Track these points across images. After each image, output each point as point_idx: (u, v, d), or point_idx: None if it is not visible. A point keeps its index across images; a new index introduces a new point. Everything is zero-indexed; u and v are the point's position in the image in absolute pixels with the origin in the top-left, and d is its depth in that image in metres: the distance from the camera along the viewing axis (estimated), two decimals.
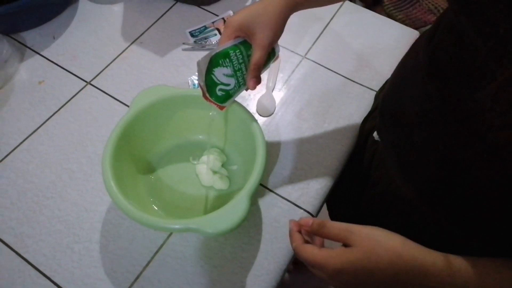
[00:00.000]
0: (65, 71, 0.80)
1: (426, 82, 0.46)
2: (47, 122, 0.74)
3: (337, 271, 0.41)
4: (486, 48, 0.35)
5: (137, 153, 0.64)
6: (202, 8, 0.91)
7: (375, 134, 0.63)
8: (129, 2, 0.92)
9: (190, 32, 0.87)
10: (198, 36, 0.86)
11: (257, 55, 0.54)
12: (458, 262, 0.39)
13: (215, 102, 0.58)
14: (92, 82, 0.79)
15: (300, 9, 0.57)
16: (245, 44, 0.56)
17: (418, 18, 2.22)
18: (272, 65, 0.82)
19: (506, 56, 0.32)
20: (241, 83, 0.58)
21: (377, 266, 0.40)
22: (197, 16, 0.89)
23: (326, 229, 0.45)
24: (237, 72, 0.56)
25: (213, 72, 0.55)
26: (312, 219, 0.47)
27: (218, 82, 0.56)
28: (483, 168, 0.40)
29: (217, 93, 0.57)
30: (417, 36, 0.89)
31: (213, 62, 0.55)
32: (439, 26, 0.47)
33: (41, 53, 0.83)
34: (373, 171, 0.65)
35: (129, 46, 0.85)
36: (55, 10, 0.87)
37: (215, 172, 0.67)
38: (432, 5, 2.25)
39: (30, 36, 0.85)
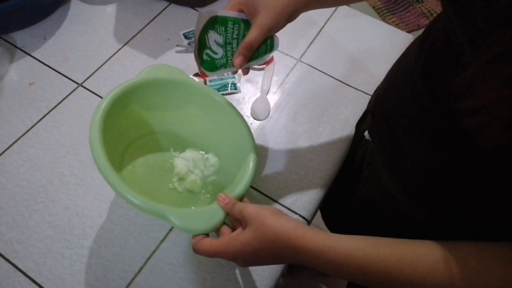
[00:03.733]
0: (56, 72, 0.79)
1: (417, 84, 0.46)
2: (38, 124, 0.73)
3: (236, 254, 0.46)
4: (467, 39, 0.35)
5: (123, 122, 0.60)
6: (196, 10, 0.90)
7: (366, 133, 0.64)
8: (122, 3, 0.90)
9: (184, 34, 0.86)
10: (192, 38, 0.85)
11: (253, 34, 0.52)
12: (333, 240, 0.44)
13: (199, 65, 0.57)
14: (83, 84, 0.78)
15: (310, 9, 0.56)
16: (247, 23, 0.54)
17: (412, 21, 2.23)
18: (267, 68, 0.82)
19: (482, 44, 0.33)
20: (229, 59, 0.56)
21: (262, 244, 0.45)
22: (191, 18, 0.89)
23: (233, 209, 0.50)
24: (227, 46, 0.55)
25: (207, 32, 0.54)
26: (228, 197, 0.52)
27: (207, 45, 0.55)
28: (469, 168, 0.41)
29: (203, 56, 0.56)
30: (411, 40, 0.89)
31: (210, 23, 0.53)
32: (432, 29, 0.47)
33: (32, 54, 0.81)
34: (364, 170, 0.66)
35: (121, 47, 0.83)
36: (46, 11, 0.86)
37: (191, 172, 0.64)
38: (426, 8, 2.27)
39: (20, 37, 0.83)
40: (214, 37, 0.54)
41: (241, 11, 0.54)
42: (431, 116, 0.44)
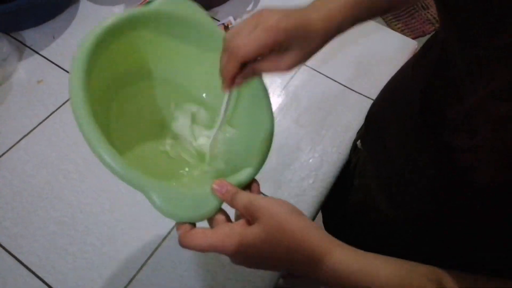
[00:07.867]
0: (64, 71, 0.80)
1: (415, 108, 0.46)
2: (45, 122, 0.74)
3: (236, 250, 0.37)
4: (466, 68, 0.34)
5: (121, 53, 0.47)
6: None
7: (358, 142, 0.64)
8: (129, 4, 0.92)
9: None
10: None
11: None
12: (368, 264, 0.37)
13: None
14: None
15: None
16: None
17: (417, 28, 2.24)
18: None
19: (481, 77, 0.32)
20: None
21: (274, 250, 0.37)
22: None
23: (235, 201, 0.40)
24: None
25: None
26: (227, 184, 0.41)
27: None
28: (454, 187, 0.41)
29: None
30: (416, 46, 0.90)
31: None
32: (431, 49, 0.47)
33: (41, 52, 0.82)
34: (355, 179, 0.66)
35: None
36: (56, 10, 0.87)
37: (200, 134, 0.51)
38: (431, 15, 2.27)
39: (29, 35, 0.85)
40: None
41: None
42: (421, 134, 0.44)
